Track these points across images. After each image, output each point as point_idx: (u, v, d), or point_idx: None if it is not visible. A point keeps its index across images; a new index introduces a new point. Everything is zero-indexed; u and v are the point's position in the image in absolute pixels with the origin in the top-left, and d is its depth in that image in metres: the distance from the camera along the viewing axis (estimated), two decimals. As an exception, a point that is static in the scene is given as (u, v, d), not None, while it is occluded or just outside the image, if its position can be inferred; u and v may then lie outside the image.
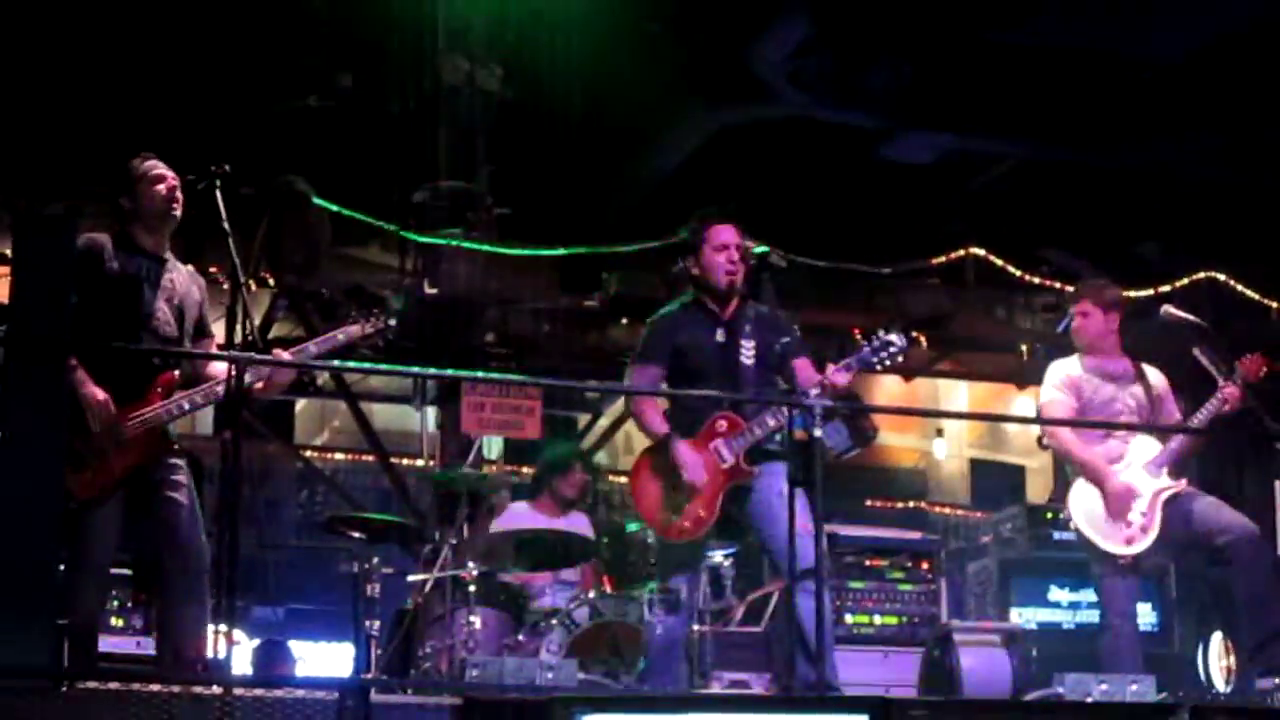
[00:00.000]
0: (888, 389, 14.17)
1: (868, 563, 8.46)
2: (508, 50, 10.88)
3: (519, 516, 8.17)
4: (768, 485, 6.04)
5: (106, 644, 6.78)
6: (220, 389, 5.32)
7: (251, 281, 9.97)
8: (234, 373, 5.04)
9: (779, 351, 6.22)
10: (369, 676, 6.82)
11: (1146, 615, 8.74)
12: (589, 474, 8.67)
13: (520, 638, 7.04)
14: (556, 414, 12.94)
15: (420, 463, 11.61)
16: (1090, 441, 6.72)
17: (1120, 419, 6.73)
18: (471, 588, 6.95)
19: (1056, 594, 9.12)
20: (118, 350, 5.44)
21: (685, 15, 10.67)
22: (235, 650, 4.91)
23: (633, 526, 7.66)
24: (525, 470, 10.82)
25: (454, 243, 10.51)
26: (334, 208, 10.27)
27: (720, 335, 6.24)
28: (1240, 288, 12.03)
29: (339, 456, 13.73)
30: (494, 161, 10.94)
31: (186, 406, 5.50)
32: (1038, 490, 14.93)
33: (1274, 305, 12.12)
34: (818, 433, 5.53)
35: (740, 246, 6.24)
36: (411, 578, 7.77)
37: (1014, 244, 12.39)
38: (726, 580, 6.98)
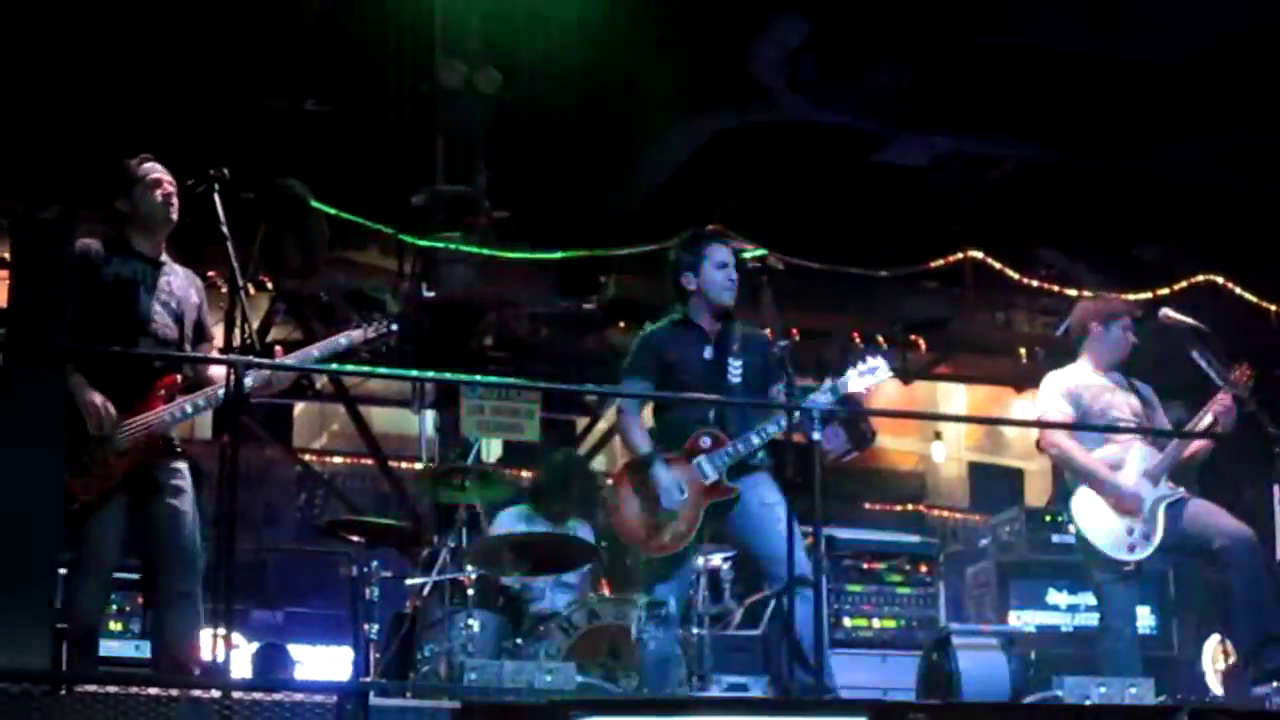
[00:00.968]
0: (886, 392, 14.09)
1: (866, 566, 8.47)
2: (505, 54, 10.89)
3: (519, 521, 8.15)
4: (749, 497, 6.08)
5: (105, 648, 6.76)
6: (222, 392, 5.30)
7: (250, 285, 9.97)
8: (232, 376, 5.03)
9: (763, 372, 6.23)
10: (368, 680, 6.81)
11: (1145, 618, 8.73)
12: (588, 481, 8.66)
13: (518, 641, 7.04)
14: (555, 417, 12.93)
15: (419, 466, 11.60)
16: (1091, 450, 6.74)
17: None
18: (470, 591, 6.95)
19: (1055, 597, 9.11)
20: (118, 355, 5.42)
21: (682, 19, 10.67)
22: (234, 654, 4.91)
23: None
24: (524, 474, 10.81)
25: (452, 246, 10.52)
26: (332, 211, 10.27)
27: (709, 353, 6.26)
28: (1240, 291, 12.04)
29: (338, 460, 13.71)
30: (492, 165, 10.95)
31: (189, 410, 5.47)
32: (1036, 493, 14.92)
33: (1273, 309, 12.12)
34: (816, 436, 5.56)
35: (737, 264, 6.27)
36: (410, 581, 7.76)
37: (1012, 247, 12.40)
38: (725, 584, 6.99)
